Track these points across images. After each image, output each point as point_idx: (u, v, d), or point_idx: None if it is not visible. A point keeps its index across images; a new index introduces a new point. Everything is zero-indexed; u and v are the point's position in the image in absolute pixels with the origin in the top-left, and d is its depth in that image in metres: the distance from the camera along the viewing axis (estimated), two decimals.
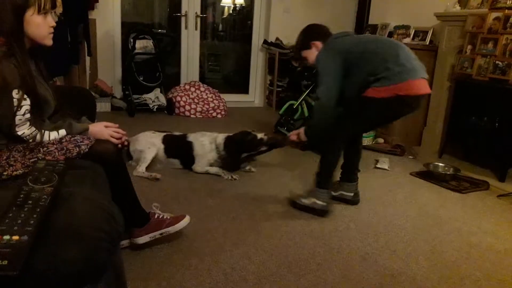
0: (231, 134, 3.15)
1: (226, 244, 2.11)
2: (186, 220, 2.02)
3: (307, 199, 2.55)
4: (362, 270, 1.98)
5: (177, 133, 3.31)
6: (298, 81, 4.58)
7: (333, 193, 2.67)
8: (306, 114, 4.09)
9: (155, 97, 4.90)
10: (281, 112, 4.40)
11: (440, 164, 3.46)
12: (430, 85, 3.94)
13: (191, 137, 3.19)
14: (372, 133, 4.17)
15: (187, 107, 4.93)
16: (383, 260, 2.08)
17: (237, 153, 3.08)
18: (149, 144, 3.13)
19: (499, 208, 2.83)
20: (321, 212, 2.51)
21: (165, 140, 3.18)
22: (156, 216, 1.99)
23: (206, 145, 3.12)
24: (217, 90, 5.24)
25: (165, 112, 4.95)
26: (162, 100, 4.92)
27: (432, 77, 3.92)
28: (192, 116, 4.94)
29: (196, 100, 4.99)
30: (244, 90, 6.07)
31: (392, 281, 1.90)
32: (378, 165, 3.55)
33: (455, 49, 3.72)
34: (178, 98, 4.94)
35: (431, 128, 3.99)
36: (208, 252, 2.02)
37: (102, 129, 1.77)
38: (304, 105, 4.19)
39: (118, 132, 1.81)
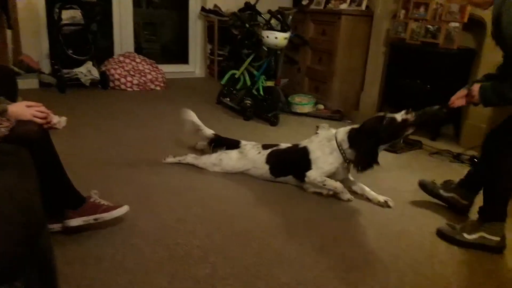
0: (355, 126, 2.41)
1: (170, 221, 2.06)
2: (124, 209, 1.92)
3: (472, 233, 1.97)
4: (307, 235, 2.03)
5: (284, 145, 2.67)
6: (239, 50, 4.50)
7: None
8: (249, 83, 4.05)
9: (87, 71, 4.60)
10: (223, 82, 4.32)
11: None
12: (367, 50, 4.07)
13: (304, 143, 2.56)
14: (312, 100, 4.22)
15: (123, 80, 4.70)
16: (327, 223, 2.14)
17: (373, 147, 2.30)
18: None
19: (431, 165, 3.01)
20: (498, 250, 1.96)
21: (270, 158, 2.58)
22: (92, 200, 1.89)
23: (324, 144, 2.44)
24: (154, 61, 5.03)
25: (99, 86, 4.68)
26: (95, 73, 4.64)
27: (369, 42, 4.00)
28: (128, 89, 4.73)
29: (132, 72, 4.76)
30: (184, 60, 5.88)
31: (335, 244, 1.97)
32: (319, 131, 3.60)
33: (389, 14, 3.80)
34: (112, 71, 4.69)
35: (368, 92, 4.11)
36: (151, 230, 1.97)
37: (24, 109, 1.63)
38: (246, 74, 4.13)
39: (42, 112, 1.67)
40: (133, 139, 3.18)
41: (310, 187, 2.46)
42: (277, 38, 3.63)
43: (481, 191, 2.11)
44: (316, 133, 3.59)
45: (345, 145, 2.36)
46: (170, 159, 2.75)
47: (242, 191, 2.45)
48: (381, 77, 3.96)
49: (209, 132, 2.82)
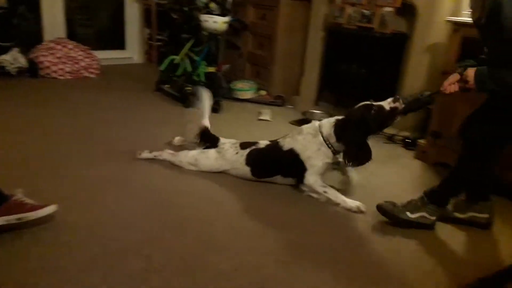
0: (340, 117, 2.27)
1: (104, 215, 1.96)
2: (51, 208, 1.80)
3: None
4: (247, 221, 2.02)
5: (263, 143, 2.46)
6: (178, 34, 4.37)
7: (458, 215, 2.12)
8: (189, 69, 3.94)
9: (13, 59, 4.26)
10: (162, 68, 4.18)
11: (317, 111, 3.65)
12: (306, 35, 4.10)
13: (286, 142, 2.35)
14: (254, 86, 4.20)
15: (54, 68, 4.40)
16: (270, 210, 2.14)
17: (363, 138, 2.17)
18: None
19: None
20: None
21: (250, 158, 2.40)
22: (15, 199, 1.75)
23: (310, 141, 2.27)
24: (88, 47, 4.75)
25: (28, 75, 4.35)
26: (22, 61, 4.30)
27: (308, 27, 4.03)
28: (60, 77, 4.43)
29: (63, 60, 4.47)
30: (120, 45, 5.61)
31: (280, 229, 1.97)
32: (261, 117, 3.61)
33: None
34: (42, 58, 4.37)
35: (307, 77, 4.15)
36: (83, 226, 1.86)
37: None
38: (187, 60, 4.02)
39: None
40: (65, 131, 2.99)
41: (307, 190, 2.30)
42: (216, 22, 3.56)
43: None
44: (259, 119, 3.59)
45: (332, 139, 2.23)
46: (146, 154, 2.58)
47: (179, 181, 2.39)
48: (320, 62, 4.01)
49: (206, 122, 2.62)
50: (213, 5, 3.75)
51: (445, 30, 2.91)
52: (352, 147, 2.16)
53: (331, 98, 4.02)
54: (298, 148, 2.29)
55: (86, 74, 4.59)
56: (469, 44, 2.63)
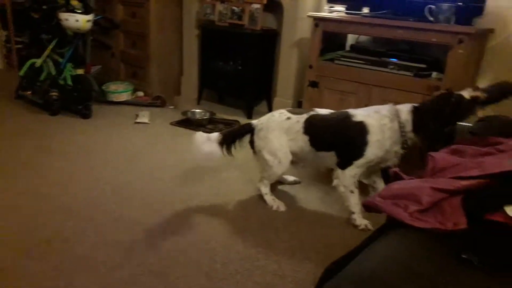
0: (417, 104, 1.98)
1: None
2: None
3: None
4: (116, 232, 1.87)
5: (324, 111, 2.15)
6: (38, 35, 3.94)
7: None
8: (54, 72, 3.58)
9: None
10: (21, 73, 3.74)
11: (197, 110, 3.59)
12: (181, 34, 4.01)
13: (358, 113, 2.02)
14: (130, 86, 3.99)
15: None
16: (138, 217, 2.02)
17: (441, 130, 1.89)
18: (280, 146, 2.12)
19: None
20: None
21: (309, 126, 2.09)
22: None
23: (386, 124, 1.95)
24: None
25: None
26: None
27: (182, 25, 3.94)
28: None
29: None
30: None
31: (146, 236, 1.86)
32: (138, 120, 3.44)
33: None
34: None
35: (187, 76, 4.07)
36: None
37: None
38: (50, 62, 3.64)
39: None
40: None
41: (338, 180, 2.06)
42: (79, 21, 3.27)
43: None
44: (136, 122, 3.41)
45: (408, 127, 1.95)
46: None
47: (44, 200, 2.14)
48: (198, 59, 3.96)
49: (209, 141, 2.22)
50: (75, 3, 3.45)
51: (309, 26, 3.05)
52: (429, 139, 1.90)
53: (212, 96, 4.00)
54: (370, 125, 1.96)
55: None
56: (328, 38, 2.80)
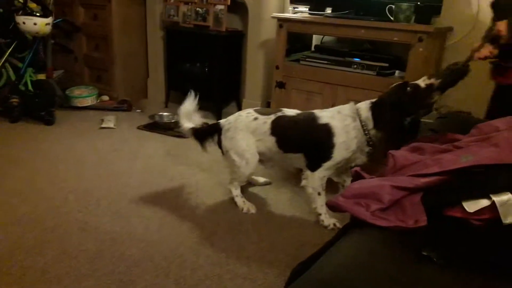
0: (374, 99, 1.96)
1: None
2: None
3: None
4: (81, 242, 1.82)
5: (291, 112, 2.12)
6: None
7: None
8: (13, 78, 3.44)
9: None
10: None
11: (165, 113, 3.54)
12: (145, 35, 3.94)
13: (324, 115, 2.00)
14: (95, 91, 3.89)
15: None
16: (104, 225, 1.96)
17: (401, 123, 1.87)
18: (247, 147, 2.10)
19: None
20: None
21: (276, 128, 2.07)
22: None
23: (350, 124, 1.94)
24: None
25: None
26: None
27: (146, 26, 3.88)
28: None
29: None
30: None
31: (113, 244, 1.82)
32: (103, 125, 3.35)
33: None
34: None
35: (154, 78, 4.01)
36: None
37: None
38: (9, 68, 3.50)
39: None
40: None
41: (307, 182, 2.07)
42: (37, 24, 3.17)
43: None
44: (101, 127, 3.32)
45: (370, 125, 1.93)
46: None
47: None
48: (164, 62, 3.90)
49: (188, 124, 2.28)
50: (33, 5, 3.34)
51: (274, 27, 3.06)
52: (390, 133, 1.88)
53: (180, 98, 3.94)
54: (335, 127, 1.95)
55: None
56: (293, 38, 2.81)
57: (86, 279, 1.59)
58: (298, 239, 1.94)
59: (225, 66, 3.49)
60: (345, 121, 1.95)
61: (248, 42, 3.35)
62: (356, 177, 1.25)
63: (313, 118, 2.02)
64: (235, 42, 3.50)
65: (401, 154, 1.24)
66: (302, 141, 2.04)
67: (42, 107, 3.37)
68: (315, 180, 2.03)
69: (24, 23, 3.16)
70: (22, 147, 2.85)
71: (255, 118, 2.12)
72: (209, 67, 3.50)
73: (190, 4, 3.42)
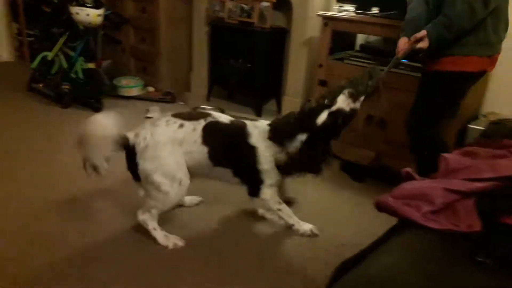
0: (277, 119, 1.85)
1: None
2: None
3: None
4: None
5: (224, 119, 1.84)
6: (50, 28, 3.97)
7: None
8: (65, 66, 3.61)
9: None
10: (33, 66, 3.77)
11: (207, 107, 3.60)
12: (190, 29, 4.03)
13: (255, 136, 1.79)
14: (141, 82, 4.01)
15: None
16: None
17: (327, 143, 1.77)
18: (177, 164, 1.73)
19: None
20: None
21: (207, 138, 1.76)
22: None
23: (268, 146, 1.78)
24: None
25: None
26: None
27: (191, 21, 3.96)
28: None
29: None
30: None
31: None
32: (148, 115, 3.46)
33: None
34: None
35: (197, 72, 4.09)
36: None
37: None
38: (62, 56, 3.67)
39: None
40: None
41: (261, 207, 1.98)
42: (89, 15, 3.31)
43: None
44: (146, 116, 3.43)
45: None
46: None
47: None
48: (208, 56, 3.97)
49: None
50: None
51: (318, 25, 3.06)
52: (311, 153, 1.72)
53: (222, 92, 4.01)
54: (261, 152, 1.78)
55: None
56: (338, 37, 2.80)
57: None
58: (242, 273, 1.69)
59: (268, 63, 3.51)
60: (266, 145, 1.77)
61: (291, 40, 3.36)
62: (407, 178, 1.25)
63: (243, 135, 1.78)
64: (278, 39, 3.51)
65: (454, 157, 1.23)
66: (234, 159, 1.81)
67: (91, 94, 3.52)
68: (268, 202, 1.87)
69: (77, 13, 3.31)
70: (72, 132, 2.98)
71: (181, 125, 1.73)
72: (251, 63, 3.53)
73: (236, 0, 3.46)
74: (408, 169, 1.27)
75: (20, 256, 1.67)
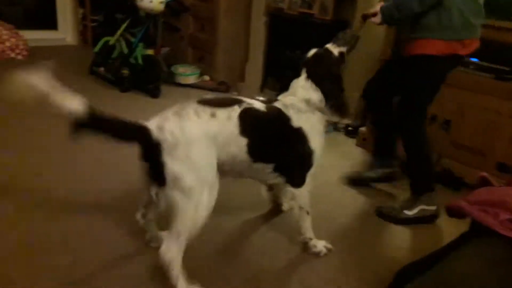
0: (303, 76, 1.78)
1: None
2: None
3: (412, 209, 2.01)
4: None
5: (257, 105, 1.58)
6: (113, 14, 4.13)
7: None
8: (126, 51, 3.73)
9: None
10: (96, 50, 3.93)
11: (260, 98, 3.58)
12: (249, 20, 4.02)
13: (294, 116, 1.58)
14: (197, 70, 4.07)
15: None
16: None
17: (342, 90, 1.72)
18: (209, 166, 1.41)
19: None
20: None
21: (246, 127, 1.47)
22: None
23: (315, 122, 1.63)
24: (13, 26, 4.36)
25: None
26: None
27: (250, 11, 3.95)
28: None
29: None
30: (52, 25, 5.22)
31: None
32: None
33: None
34: None
35: (252, 63, 4.09)
36: None
37: None
38: (122, 41, 3.80)
39: None
40: None
41: (293, 201, 1.66)
42: (152, 2, 3.39)
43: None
44: None
45: (324, 107, 1.62)
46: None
47: None
48: (264, 47, 3.95)
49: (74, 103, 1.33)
50: None
51: None
52: (341, 110, 1.65)
53: (276, 85, 3.98)
54: (307, 130, 1.59)
55: (13, 55, 4.21)
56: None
57: None
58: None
59: None
60: (309, 119, 1.61)
61: None
62: (483, 183, 1.17)
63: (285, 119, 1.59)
64: (338, 31, 3.41)
65: None
66: (277, 148, 1.58)
67: (149, 80, 3.61)
68: (303, 196, 1.64)
69: (141, 0, 3.39)
70: (130, 116, 3.07)
71: (213, 115, 1.42)
72: None
73: None
74: (485, 174, 1.19)
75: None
